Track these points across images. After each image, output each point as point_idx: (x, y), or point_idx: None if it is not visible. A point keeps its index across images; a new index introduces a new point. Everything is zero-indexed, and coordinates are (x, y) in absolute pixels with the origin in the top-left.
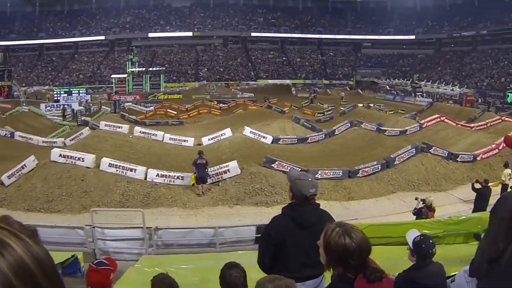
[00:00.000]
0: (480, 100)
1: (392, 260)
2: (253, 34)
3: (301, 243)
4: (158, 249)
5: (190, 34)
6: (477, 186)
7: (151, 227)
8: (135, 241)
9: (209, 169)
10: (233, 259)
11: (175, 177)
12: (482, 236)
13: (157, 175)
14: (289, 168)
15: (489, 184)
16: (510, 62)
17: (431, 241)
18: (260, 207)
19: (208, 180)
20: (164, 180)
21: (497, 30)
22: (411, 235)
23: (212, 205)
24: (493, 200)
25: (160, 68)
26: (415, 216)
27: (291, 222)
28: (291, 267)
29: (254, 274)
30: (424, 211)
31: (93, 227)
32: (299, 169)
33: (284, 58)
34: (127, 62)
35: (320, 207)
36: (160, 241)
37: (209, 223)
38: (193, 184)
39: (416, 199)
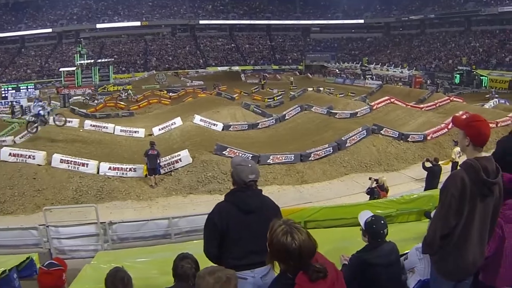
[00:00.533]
0: (429, 82)
1: (346, 241)
2: (201, 21)
3: (246, 229)
4: (114, 244)
5: (138, 23)
6: (428, 164)
7: (105, 222)
8: (90, 237)
9: (161, 160)
10: (189, 249)
11: (128, 169)
12: (432, 214)
13: (110, 168)
14: (240, 154)
15: (440, 162)
16: (457, 45)
17: (382, 221)
18: (213, 195)
19: (161, 170)
20: (117, 173)
21: (444, 14)
22: (363, 216)
23: (165, 195)
24: (443, 177)
25: (109, 60)
26: (368, 196)
27: (233, 208)
28: (238, 254)
29: (211, 263)
30: (376, 191)
31: (47, 227)
32: (250, 155)
33: (233, 45)
34: (76, 55)
35: (275, 191)
36: (115, 236)
37: (164, 214)
38: (146, 175)
39: (370, 179)
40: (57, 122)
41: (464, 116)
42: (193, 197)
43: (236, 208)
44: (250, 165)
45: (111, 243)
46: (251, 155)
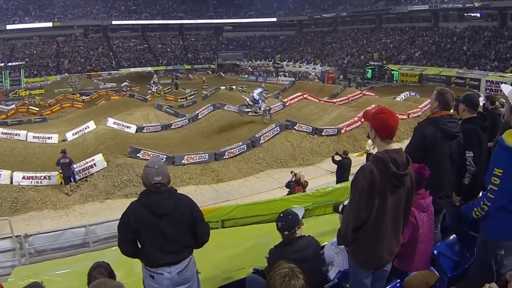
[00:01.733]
0: (341, 77)
1: (264, 237)
2: (114, 22)
3: (159, 232)
4: (32, 258)
5: (50, 24)
6: (337, 158)
7: (20, 235)
8: (5, 253)
9: (74, 166)
10: (109, 256)
11: (42, 177)
12: (340, 208)
13: (24, 177)
14: (154, 156)
15: (355, 154)
16: (368, 41)
17: (290, 216)
18: (130, 199)
19: (76, 177)
20: (31, 182)
21: (356, 12)
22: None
23: (82, 202)
24: (356, 169)
25: (20, 63)
26: (288, 189)
27: (146, 211)
28: (152, 254)
29: (135, 268)
30: (292, 185)
31: None
32: (164, 157)
33: (145, 45)
34: None
35: (192, 191)
36: (32, 249)
37: (81, 222)
38: (61, 183)
39: (291, 172)
40: None
41: (373, 110)
42: (110, 202)
43: (149, 211)
44: (156, 167)
45: (29, 257)
46: (165, 156)
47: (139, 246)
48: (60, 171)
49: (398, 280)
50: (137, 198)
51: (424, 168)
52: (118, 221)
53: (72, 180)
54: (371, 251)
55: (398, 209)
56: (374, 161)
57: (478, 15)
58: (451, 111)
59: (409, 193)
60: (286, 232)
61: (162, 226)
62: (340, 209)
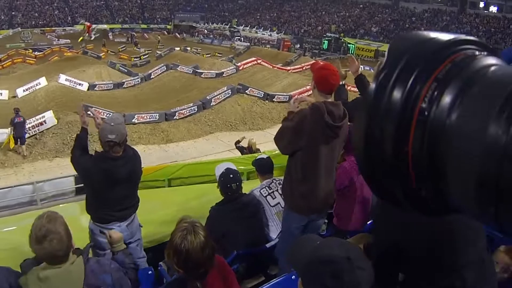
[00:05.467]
0: (298, 46)
1: (211, 195)
2: None
3: (112, 193)
4: None
5: None
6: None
7: None
8: None
9: (25, 120)
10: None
11: None
12: (254, 161)
13: None
14: (105, 114)
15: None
16: (327, 13)
17: (231, 175)
18: None
19: (25, 136)
20: None
21: None
22: (219, 169)
23: (31, 160)
24: None
25: None
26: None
27: (102, 175)
28: (103, 212)
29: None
30: (245, 153)
31: None
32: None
33: (102, 1)
34: None
35: (141, 151)
36: None
37: (31, 180)
38: (12, 147)
39: (243, 138)
40: None
41: (320, 64)
42: (59, 160)
43: (105, 176)
44: (112, 124)
45: None
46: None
47: (90, 201)
48: (13, 131)
49: None
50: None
51: None
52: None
53: (23, 142)
54: (307, 194)
55: (332, 159)
56: (311, 108)
57: None
58: None
59: (341, 145)
60: (224, 191)
61: (116, 190)
62: (253, 163)
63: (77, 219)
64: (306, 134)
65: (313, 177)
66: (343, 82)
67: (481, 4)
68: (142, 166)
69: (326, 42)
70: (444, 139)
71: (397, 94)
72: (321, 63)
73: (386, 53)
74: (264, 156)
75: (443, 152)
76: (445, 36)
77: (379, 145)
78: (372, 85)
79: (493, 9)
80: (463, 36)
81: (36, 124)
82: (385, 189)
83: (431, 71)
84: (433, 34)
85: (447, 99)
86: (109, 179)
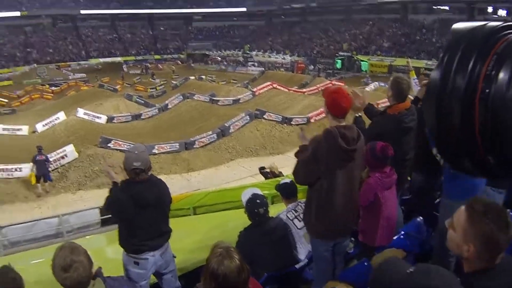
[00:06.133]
0: (312, 67)
1: (236, 222)
2: (82, 11)
3: (143, 221)
4: (7, 250)
5: (17, 14)
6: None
7: None
8: None
9: (49, 165)
10: (83, 245)
11: (13, 170)
12: (278, 186)
13: None
14: (125, 146)
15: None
16: (338, 32)
17: (258, 200)
18: (102, 189)
19: (51, 176)
20: (2, 174)
21: (325, 3)
22: (246, 194)
23: (54, 194)
24: None
25: None
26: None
27: (131, 201)
28: (135, 242)
29: (110, 256)
30: (269, 177)
31: None
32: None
33: (114, 35)
34: None
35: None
36: (6, 241)
37: (54, 213)
38: (33, 184)
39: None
40: None
41: (331, 88)
42: (82, 193)
43: (132, 201)
44: (136, 153)
45: (3, 249)
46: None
47: (122, 233)
48: (35, 169)
49: (366, 259)
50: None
51: (388, 147)
52: (94, 214)
53: (47, 179)
54: (328, 221)
55: (350, 182)
56: (325, 134)
57: (447, 8)
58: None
59: (362, 167)
60: (252, 216)
61: (146, 215)
62: (277, 188)
63: (104, 250)
64: (323, 160)
65: (332, 203)
66: (359, 114)
67: (489, 9)
68: None
69: (339, 61)
70: (505, 110)
71: (460, 75)
72: (331, 88)
73: (445, 44)
74: (288, 180)
75: (506, 122)
76: (495, 23)
77: (449, 122)
78: (437, 72)
79: (502, 12)
80: (510, 22)
81: (57, 158)
82: (457, 160)
83: (487, 52)
84: (484, 22)
85: (504, 74)
86: (137, 203)
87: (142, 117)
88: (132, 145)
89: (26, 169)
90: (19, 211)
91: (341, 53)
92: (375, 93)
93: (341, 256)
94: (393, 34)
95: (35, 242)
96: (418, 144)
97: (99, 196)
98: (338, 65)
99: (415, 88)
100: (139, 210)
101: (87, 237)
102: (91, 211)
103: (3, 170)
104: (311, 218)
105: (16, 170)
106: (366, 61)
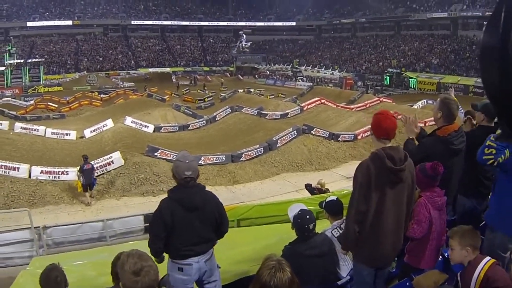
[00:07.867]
0: (360, 83)
1: (280, 236)
2: (133, 22)
3: (190, 225)
4: (50, 249)
5: (70, 23)
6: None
7: (39, 227)
8: (24, 243)
9: (94, 166)
10: (125, 250)
11: (60, 173)
12: (323, 203)
13: (42, 172)
14: (172, 156)
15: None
16: (387, 48)
17: (308, 216)
18: (147, 197)
19: (95, 183)
20: (49, 176)
21: (375, 19)
22: (293, 210)
23: (99, 198)
24: None
25: (40, 60)
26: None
27: (178, 206)
28: (183, 247)
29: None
30: (315, 193)
31: None
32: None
33: (164, 45)
34: (5, 54)
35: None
36: (51, 240)
37: (98, 217)
38: (80, 191)
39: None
40: None
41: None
42: (126, 199)
43: (181, 205)
44: (187, 161)
45: (47, 248)
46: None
47: (170, 240)
48: (82, 177)
49: (407, 279)
50: (155, 198)
51: (438, 165)
52: (138, 221)
53: (93, 187)
54: (373, 247)
55: (399, 205)
56: (371, 157)
57: None
58: (460, 118)
59: (410, 190)
60: (301, 231)
61: (193, 219)
62: (322, 205)
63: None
64: (374, 184)
65: (379, 229)
66: (412, 137)
67: None
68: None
69: (387, 77)
70: None
71: None
72: (381, 110)
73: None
74: (334, 197)
75: None
76: None
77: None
78: (490, 34)
79: None
80: None
81: (104, 164)
82: None
83: None
84: None
85: None
86: (185, 206)
87: (189, 128)
88: (179, 153)
89: (73, 173)
90: (63, 213)
91: (389, 70)
92: (422, 111)
93: (382, 279)
94: (442, 50)
95: (78, 244)
96: (466, 167)
97: (143, 203)
98: (387, 82)
99: (461, 115)
100: (187, 213)
101: (130, 242)
102: (135, 218)
103: (50, 172)
104: (357, 241)
105: (62, 173)
106: (414, 78)
